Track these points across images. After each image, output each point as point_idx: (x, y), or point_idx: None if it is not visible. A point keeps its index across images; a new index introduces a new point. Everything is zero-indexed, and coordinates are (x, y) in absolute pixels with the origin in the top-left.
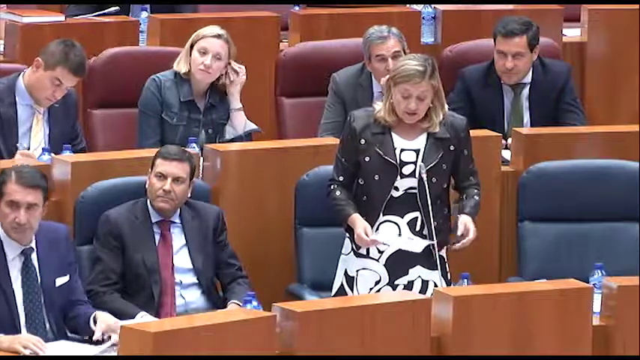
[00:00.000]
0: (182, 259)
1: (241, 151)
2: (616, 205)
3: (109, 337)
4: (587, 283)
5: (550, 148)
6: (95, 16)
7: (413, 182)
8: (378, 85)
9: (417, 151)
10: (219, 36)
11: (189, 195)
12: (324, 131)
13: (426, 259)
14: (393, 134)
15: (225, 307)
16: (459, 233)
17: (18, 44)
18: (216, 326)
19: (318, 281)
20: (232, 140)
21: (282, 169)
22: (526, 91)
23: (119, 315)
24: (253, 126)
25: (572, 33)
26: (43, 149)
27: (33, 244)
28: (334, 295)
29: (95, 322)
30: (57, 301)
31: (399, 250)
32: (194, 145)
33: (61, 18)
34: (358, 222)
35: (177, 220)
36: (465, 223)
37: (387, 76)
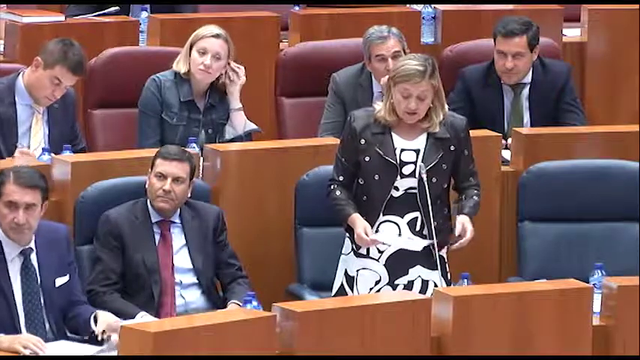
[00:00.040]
0: (182, 259)
1: (241, 151)
2: (616, 205)
3: (109, 337)
4: (587, 283)
5: (550, 148)
6: (95, 16)
7: (413, 182)
8: (378, 85)
9: (417, 151)
10: (218, 36)
11: (189, 195)
12: (324, 131)
13: (426, 259)
14: (393, 134)
15: (225, 307)
16: (456, 233)
17: (18, 44)
18: (216, 326)
19: (318, 281)
20: (232, 140)
21: (282, 169)
22: (526, 91)
23: (119, 315)
24: (253, 126)
25: (572, 33)
26: (43, 149)
27: (32, 245)
28: (334, 295)
29: (96, 322)
30: (57, 301)
31: (399, 250)
32: (194, 145)
33: (61, 18)
34: (358, 222)
35: (177, 220)
36: (462, 223)
37: (387, 76)
